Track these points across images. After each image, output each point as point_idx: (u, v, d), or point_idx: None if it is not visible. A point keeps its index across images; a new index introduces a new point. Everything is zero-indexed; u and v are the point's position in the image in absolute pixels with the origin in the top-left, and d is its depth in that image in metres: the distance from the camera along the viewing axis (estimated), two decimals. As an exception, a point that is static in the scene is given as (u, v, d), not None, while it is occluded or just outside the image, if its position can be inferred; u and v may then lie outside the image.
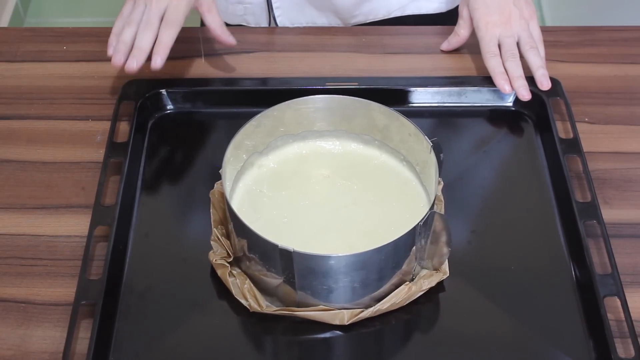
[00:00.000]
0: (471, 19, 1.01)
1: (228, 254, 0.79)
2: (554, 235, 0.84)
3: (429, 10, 1.15)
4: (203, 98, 0.97)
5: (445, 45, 1.05)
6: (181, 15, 0.94)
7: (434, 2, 1.14)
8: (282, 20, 1.14)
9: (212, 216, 0.82)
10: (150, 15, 0.93)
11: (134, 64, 0.92)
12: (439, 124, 0.97)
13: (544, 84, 0.96)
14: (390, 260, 0.74)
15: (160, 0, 0.94)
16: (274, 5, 1.13)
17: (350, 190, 0.83)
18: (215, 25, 0.98)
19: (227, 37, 0.99)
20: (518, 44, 0.98)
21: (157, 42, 0.93)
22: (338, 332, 0.77)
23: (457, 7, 1.14)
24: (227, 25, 1.15)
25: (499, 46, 0.98)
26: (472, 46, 1.03)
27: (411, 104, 0.98)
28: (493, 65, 0.97)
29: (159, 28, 0.93)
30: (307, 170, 0.85)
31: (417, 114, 0.95)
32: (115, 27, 0.96)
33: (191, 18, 1.12)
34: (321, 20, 1.15)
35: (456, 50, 1.05)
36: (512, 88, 0.96)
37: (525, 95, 0.95)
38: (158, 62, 0.92)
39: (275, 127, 0.84)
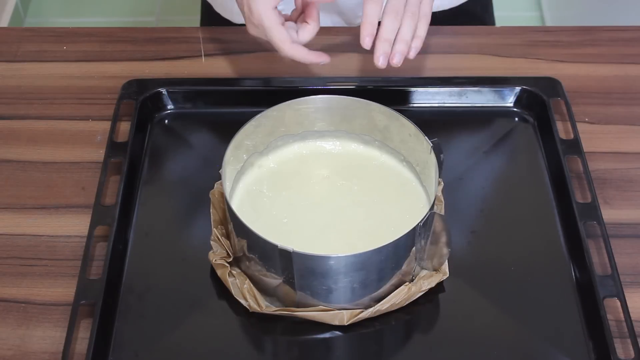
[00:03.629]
0: None
1: (228, 254, 0.79)
2: (554, 235, 0.84)
3: (433, 7, 1.14)
4: (203, 98, 0.97)
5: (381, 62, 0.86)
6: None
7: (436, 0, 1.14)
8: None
9: (212, 216, 0.82)
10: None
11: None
12: (439, 124, 0.97)
13: (380, 60, 0.83)
14: (390, 260, 0.74)
15: None
16: (279, 7, 1.12)
17: (350, 191, 0.83)
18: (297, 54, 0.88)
19: (319, 58, 0.89)
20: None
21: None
22: (337, 332, 0.77)
23: (460, 5, 1.13)
24: (233, 24, 1.16)
25: None
26: (472, 46, 1.03)
27: (411, 104, 0.98)
28: (371, 11, 0.83)
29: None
30: (307, 171, 0.85)
31: (417, 114, 0.95)
32: (371, 17, 0.84)
33: (191, 18, 1.12)
34: (325, 21, 1.15)
35: (456, 51, 1.05)
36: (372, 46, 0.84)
37: (381, 62, 0.84)
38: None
39: (275, 127, 0.84)
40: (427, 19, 0.87)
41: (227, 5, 1.16)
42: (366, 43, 0.83)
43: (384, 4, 0.84)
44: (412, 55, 0.85)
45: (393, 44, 0.84)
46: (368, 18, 0.83)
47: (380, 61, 0.84)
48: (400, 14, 0.84)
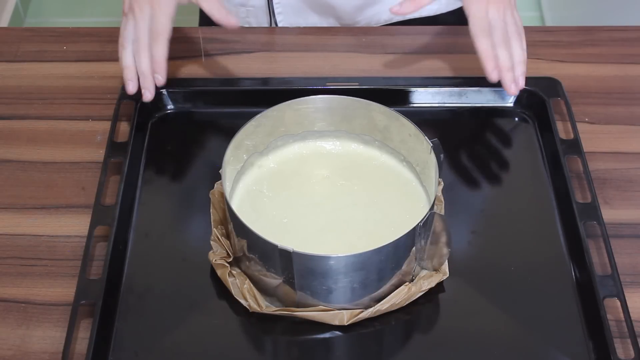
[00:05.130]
0: None
1: (228, 254, 0.79)
2: (554, 235, 0.84)
3: (429, 12, 1.15)
4: (203, 98, 0.97)
5: (395, 9, 0.93)
6: (166, 22, 0.90)
7: (434, 4, 1.14)
8: (284, 25, 1.14)
9: (212, 216, 0.82)
10: (139, 33, 0.90)
11: (148, 95, 0.91)
12: (439, 124, 0.97)
13: (512, 89, 0.91)
14: (390, 260, 0.74)
15: (143, 10, 0.90)
16: (276, 10, 1.13)
17: (350, 191, 0.83)
18: (213, 11, 0.91)
19: (228, 20, 0.91)
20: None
21: (152, 60, 0.90)
22: (337, 332, 0.77)
23: (458, 9, 1.13)
24: None
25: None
26: (472, 46, 1.03)
27: (411, 104, 0.98)
28: (485, 46, 0.90)
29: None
30: (307, 171, 0.85)
31: (417, 114, 0.95)
32: (488, 51, 0.90)
33: (190, 18, 1.12)
34: (322, 24, 1.15)
35: (456, 51, 1.05)
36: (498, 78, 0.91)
37: (514, 90, 0.91)
38: (160, 80, 0.91)
39: (275, 127, 0.84)
40: (522, 29, 0.93)
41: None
42: (494, 77, 0.90)
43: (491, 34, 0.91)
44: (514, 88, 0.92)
45: (513, 68, 0.91)
46: (486, 53, 0.90)
47: (512, 89, 0.91)
48: (507, 40, 0.91)
